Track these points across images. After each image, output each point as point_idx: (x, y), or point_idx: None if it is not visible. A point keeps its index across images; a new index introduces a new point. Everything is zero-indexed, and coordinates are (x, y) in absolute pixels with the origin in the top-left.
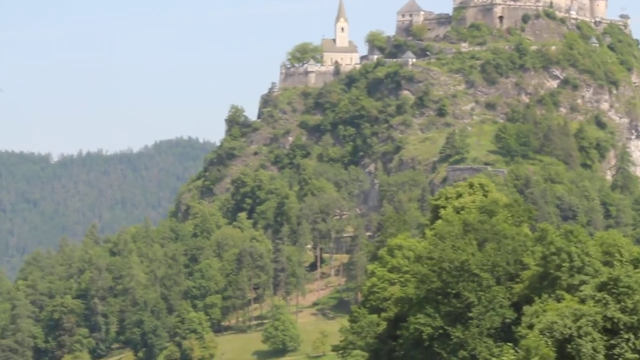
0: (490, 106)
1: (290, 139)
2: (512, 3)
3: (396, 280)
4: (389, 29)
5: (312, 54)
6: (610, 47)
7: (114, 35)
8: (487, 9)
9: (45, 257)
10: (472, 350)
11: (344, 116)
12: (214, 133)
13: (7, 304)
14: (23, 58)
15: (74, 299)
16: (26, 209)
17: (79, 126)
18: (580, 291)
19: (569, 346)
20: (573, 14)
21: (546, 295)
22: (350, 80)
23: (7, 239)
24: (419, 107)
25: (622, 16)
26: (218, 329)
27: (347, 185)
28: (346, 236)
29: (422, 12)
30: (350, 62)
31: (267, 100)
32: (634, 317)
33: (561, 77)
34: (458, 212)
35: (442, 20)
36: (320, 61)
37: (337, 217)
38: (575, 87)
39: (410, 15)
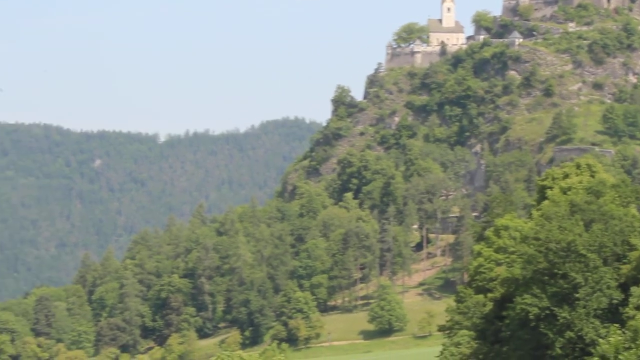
0: (597, 86)
1: (397, 119)
2: None
3: (502, 261)
4: (496, 9)
5: (418, 34)
6: None
7: (220, 15)
8: None
9: (152, 237)
10: (579, 331)
11: (450, 96)
12: (321, 113)
13: (115, 283)
14: (130, 39)
15: (181, 278)
16: (134, 188)
17: (186, 106)
18: None
19: None
20: None
21: None
22: (456, 61)
23: (115, 219)
24: (525, 87)
25: None
26: (324, 308)
27: (453, 166)
28: (452, 216)
29: None
30: (456, 42)
31: (373, 81)
32: None
33: None
34: (565, 193)
35: (549, 0)
36: (426, 41)
37: (443, 197)
38: None
39: None
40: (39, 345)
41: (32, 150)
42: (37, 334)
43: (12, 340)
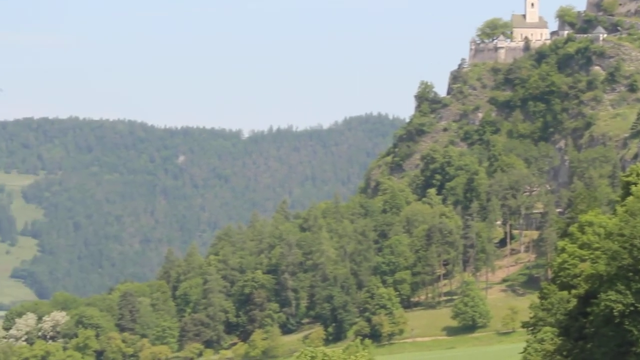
0: None
1: (480, 115)
2: None
3: (587, 257)
4: (580, 5)
5: (502, 30)
6: None
7: (304, 13)
8: None
9: (236, 233)
10: None
11: (534, 92)
12: (404, 109)
13: (199, 279)
14: (213, 35)
15: (264, 274)
16: (217, 184)
17: (270, 102)
18: None
19: None
20: None
21: None
22: (540, 56)
23: (199, 215)
24: (609, 82)
25: None
26: (407, 304)
27: (537, 162)
28: (536, 212)
29: None
30: (540, 37)
31: (456, 76)
32: None
33: None
34: None
35: None
36: (510, 37)
37: (527, 193)
38: None
39: None
40: (123, 341)
41: (116, 146)
42: (121, 329)
43: (97, 336)
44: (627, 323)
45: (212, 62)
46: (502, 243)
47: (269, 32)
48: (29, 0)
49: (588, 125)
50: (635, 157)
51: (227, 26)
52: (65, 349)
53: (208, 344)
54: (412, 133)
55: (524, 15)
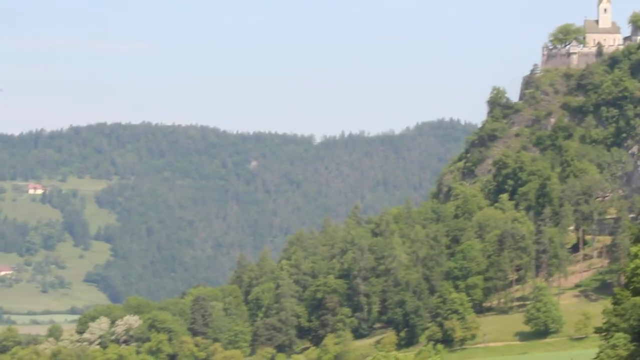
0: None
1: (552, 120)
2: None
3: None
4: None
5: (574, 35)
6: None
7: (377, 17)
8: None
9: (308, 237)
10: None
11: (607, 97)
12: (476, 114)
13: (271, 284)
14: (285, 41)
15: (336, 278)
16: (289, 190)
17: (341, 108)
18: None
19: None
20: None
21: None
22: (613, 62)
23: (271, 220)
24: None
25: None
26: (479, 309)
27: (609, 167)
28: (609, 218)
29: None
30: (613, 43)
31: (528, 82)
32: None
33: None
34: None
35: None
36: (582, 42)
37: (600, 198)
38: None
39: None
40: (196, 345)
41: (189, 151)
42: (194, 333)
43: (170, 340)
44: None
45: (284, 67)
46: (575, 248)
47: (340, 37)
48: (102, 8)
49: None
50: None
51: (297, 32)
52: (138, 352)
53: (280, 348)
54: (484, 138)
55: (597, 21)
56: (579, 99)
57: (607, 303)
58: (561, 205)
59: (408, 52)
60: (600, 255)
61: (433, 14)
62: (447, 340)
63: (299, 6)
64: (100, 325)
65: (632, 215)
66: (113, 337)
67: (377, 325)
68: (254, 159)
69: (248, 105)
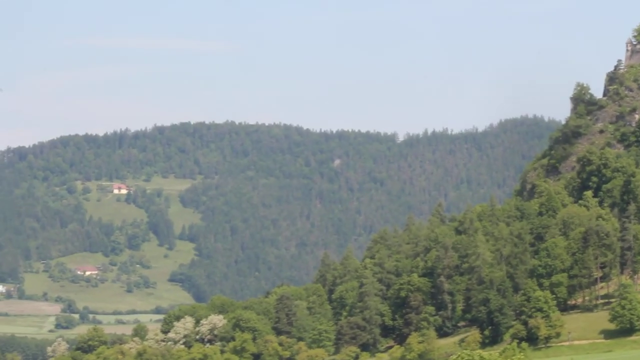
0: None
1: (637, 116)
2: None
3: None
4: None
5: None
6: None
7: (457, 14)
8: None
9: (392, 236)
10: None
11: None
12: (559, 111)
13: (355, 282)
14: (370, 39)
15: (420, 277)
16: (373, 188)
17: (425, 106)
18: None
19: None
20: None
21: None
22: None
23: (355, 218)
24: None
25: None
26: (564, 307)
27: None
28: None
29: None
30: None
31: (612, 78)
32: None
33: None
34: None
35: None
36: None
37: None
38: None
39: None
40: (280, 344)
41: (272, 150)
42: (278, 332)
43: (254, 339)
44: None
45: (367, 66)
46: None
47: (425, 36)
48: (188, 7)
49: None
50: None
51: (380, 30)
52: (222, 352)
53: (364, 347)
54: (568, 135)
55: None
56: None
57: None
58: None
59: (492, 49)
60: None
61: (517, 11)
62: (531, 339)
63: (383, 5)
64: (185, 325)
65: None
66: (197, 337)
67: (461, 323)
68: (338, 158)
69: (331, 104)
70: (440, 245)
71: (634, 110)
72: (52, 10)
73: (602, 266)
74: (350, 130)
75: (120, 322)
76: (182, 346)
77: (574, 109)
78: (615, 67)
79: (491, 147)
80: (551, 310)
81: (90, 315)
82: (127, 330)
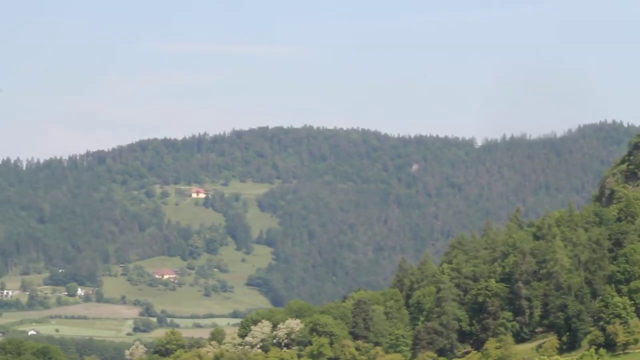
0: None
1: None
2: None
3: None
4: None
5: None
6: None
7: (534, 19)
8: None
9: (469, 241)
10: None
11: None
12: (639, 117)
13: (432, 287)
14: (450, 45)
15: (497, 282)
16: (451, 193)
17: (503, 111)
18: None
19: None
20: None
21: None
22: None
23: (432, 223)
24: None
25: None
26: None
27: None
28: None
29: None
30: None
31: None
32: None
33: None
34: None
35: None
36: None
37: None
38: None
39: None
40: (357, 349)
41: (350, 155)
42: (355, 337)
43: (331, 344)
44: None
45: (445, 71)
46: None
47: (501, 41)
48: (267, 12)
49: None
50: None
51: (462, 36)
52: (299, 356)
53: (441, 352)
54: None
55: None
56: None
57: None
58: None
59: (570, 55)
60: None
61: (592, 19)
62: (609, 345)
63: (463, 8)
64: (262, 329)
65: None
66: (275, 341)
67: (539, 329)
68: (416, 162)
69: (409, 109)
70: (518, 250)
71: None
72: (132, 16)
73: None
74: (428, 135)
75: (197, 325)
76: (259, 350)
77: None
78: None
79: (570, 152)
80: (629, 316)
81: (168, 319)
82: (205, 334)
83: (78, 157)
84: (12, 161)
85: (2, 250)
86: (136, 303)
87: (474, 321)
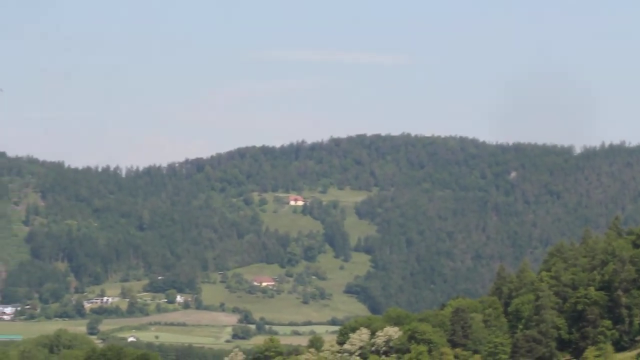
0: None
1: None
2: None
3: None
4: None
5: None
6: None
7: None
8: None
9: (568, 249)
10: None
11: None
12: None
13: (531, 295)
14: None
15: (597, 290)
16: (549, 200)
17: (601, 118)
18: None
19: None
20: None
21: None
22: None
23: (531, 231)
24: None
25: None
26: None
27: None
28: None
29: None
30: None
31: None
32: None
33: None
34: None
35: None
36: None
37: None
38: None
39: None
40: (455, 356)
41: (448, 162)
42: (453, 345)
43: (429, 351)
44: None
45: (545, 78)
46: None
47: (594, 44)
48: (368, 21)
49: None
50: None
51: (565, 42)
52: None
53: None
54: None
55: None
56: None
57: None
58: None
59: None
60: None
61: None
62: None
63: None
64: (361, 337)
65: None
66: (373, 348)
67: (639, 337)
68: (514, 170)
69: (507, 116)
70: (618, 258)
71: None
72: (228, 25)
73: None
74: (526, 143)
75: (295, 333)
76: (358, 358)
77: None
78: None
79: None
80: None
81: (267, 326)
82: (303, 341)
83: (177, 165)
84: (111, 169)
85: (102, 257)
86: (235, 310)
87: (573, 329)
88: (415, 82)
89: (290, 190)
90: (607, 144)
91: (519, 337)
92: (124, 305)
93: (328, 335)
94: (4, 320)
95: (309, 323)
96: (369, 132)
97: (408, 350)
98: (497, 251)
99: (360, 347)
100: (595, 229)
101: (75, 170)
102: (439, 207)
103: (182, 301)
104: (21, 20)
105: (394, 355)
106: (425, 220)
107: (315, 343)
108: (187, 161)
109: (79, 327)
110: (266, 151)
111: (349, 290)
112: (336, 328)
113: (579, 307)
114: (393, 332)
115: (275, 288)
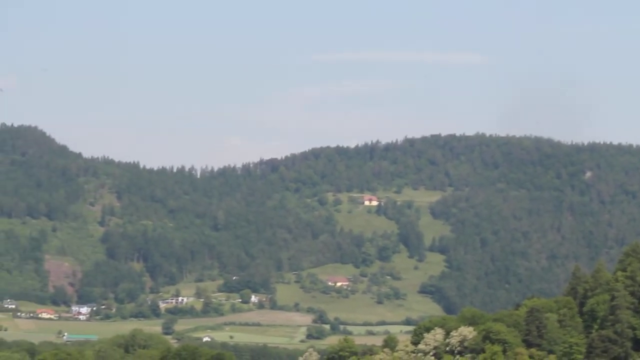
0: None
1: None
2: None
3: None
4: None
5: None
6: None
7: None
8: None
9: None
10: None
11: None
12: None
13: (606, 295)
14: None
15: None
16: (625, 200)
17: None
18: None
19: None
20: None
21: None
22: None
23: (606, 231)
24: None
25: None
26: None
27: None
28: None
29: None
30: None
31: None
32: None
33: None
34: None
35: None
36: None
37: None
38: None
39: None
40: (530, 356)
41: (523, 162)
42: (528, 345)
43: (504, 351)
44: None
45: (616, 77)
46: None
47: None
48: (443, 21)
49: None
50: None
51: (626, 42)
52: None
53: None
54: None
55: None
56: None
57: None
58: None
59: None
60: None
61: None
62: None
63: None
64: (435, 337)
65: None
66: (447, 348)
67: None
68: (589, 170)
69: (583, 115)
70: None
71: None
72: (302, 26)
73: None
74: (602, 143)
75: (370, 333)
76: (432, 357)
77: None
78: None
79: None
80: None
81: (341, 326)
82: (377, 341)
83: (251, 166)
84: (186, 169)
85: (177, 258)
86: (309, 310)
87: None
88: (490, 81)
89: (365, 190)
90: None
91: (594, 337)
92: (198, 305)
93: (402, 335)
94: (79, 320)
95: (383, 323)
96: (444, 132)
97: (482, 351)
98: (572, 251)
99: (435, 347)
100: None
101: (151, 171)
102: (514, 207)
103: (256, 301)
104: (83, 16)
105: (469, 355)
106: (500, 220)
107: (390, 343)
108: (261, 162)
109: (154, 327)
110: (340, 151)
111: (423, 290)
112: (410, 328)
113: None
114: (467, 332)
115: (349, 288)
